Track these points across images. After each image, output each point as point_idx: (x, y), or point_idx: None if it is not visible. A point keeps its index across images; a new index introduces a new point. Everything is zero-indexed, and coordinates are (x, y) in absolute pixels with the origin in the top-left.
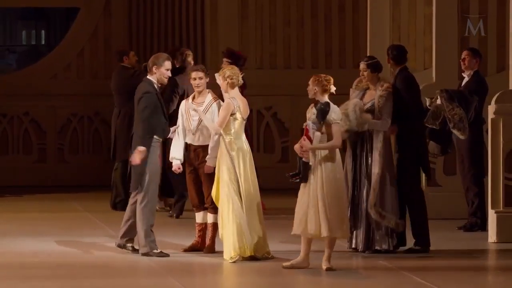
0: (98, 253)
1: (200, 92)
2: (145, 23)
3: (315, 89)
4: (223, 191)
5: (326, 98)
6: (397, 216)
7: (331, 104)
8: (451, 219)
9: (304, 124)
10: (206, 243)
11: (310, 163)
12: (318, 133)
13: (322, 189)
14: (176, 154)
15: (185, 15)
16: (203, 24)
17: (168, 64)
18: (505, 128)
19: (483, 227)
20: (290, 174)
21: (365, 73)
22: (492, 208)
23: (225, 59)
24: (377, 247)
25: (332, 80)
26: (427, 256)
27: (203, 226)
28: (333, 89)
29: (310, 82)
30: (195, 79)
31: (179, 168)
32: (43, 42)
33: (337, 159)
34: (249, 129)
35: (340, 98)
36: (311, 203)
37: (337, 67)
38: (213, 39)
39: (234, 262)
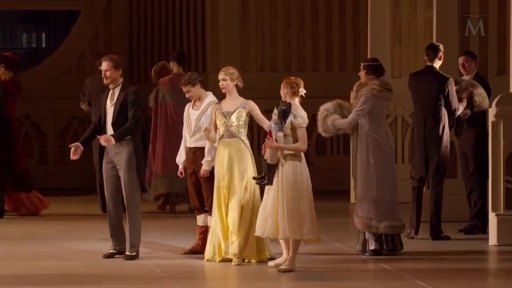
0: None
1: (198, 100)
2: (145, 26)
3: (285, 91)
4: (248, 194)
5: (296, 100)
6: (389, 219)
7: (299, 108)
8: (452, 221)
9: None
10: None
11: (274, 163)
12: (280, 134)
13: (282, 191)
14: (178, 158)
15: (186, 18)
16: (204, 27)
17: (102, 65)
18: (506, 131)
19: (484, 229)
20: (257, 177)
21: (361, 74)
22: (492, 211)
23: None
24: (371, 248)
25: (302, 83)
26: (428, 259)
27: (204, 229)
28: (302, 92)
29: (282, 85)
30: (185, 92)
31: (181, 173)
32: (43, 45)
33: (300, 162)
34: None
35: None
36: (272, 204)
37: (338, 70)
38: (214, 42)
39: (238, 265)
